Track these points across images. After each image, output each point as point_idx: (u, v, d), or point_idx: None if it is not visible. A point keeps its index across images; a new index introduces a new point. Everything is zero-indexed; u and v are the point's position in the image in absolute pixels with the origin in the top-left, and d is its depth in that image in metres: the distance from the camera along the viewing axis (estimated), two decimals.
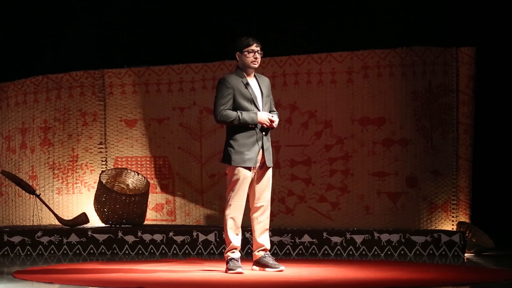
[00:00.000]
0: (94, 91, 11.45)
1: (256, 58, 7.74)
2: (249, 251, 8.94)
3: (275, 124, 7.71)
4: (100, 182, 10.76)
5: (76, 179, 11.41)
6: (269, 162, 7.76)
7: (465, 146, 10.27)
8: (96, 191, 10.83)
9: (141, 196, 10.73)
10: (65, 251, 10.09)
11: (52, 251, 10.09)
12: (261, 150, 7.69)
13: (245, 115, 7.62)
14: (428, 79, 10.38)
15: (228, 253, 7.72)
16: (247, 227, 8.15)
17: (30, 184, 11.26)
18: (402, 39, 10.67)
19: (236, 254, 7.71)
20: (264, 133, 7.70)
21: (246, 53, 7.72)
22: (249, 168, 7.64)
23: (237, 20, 11.55)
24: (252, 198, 7.76)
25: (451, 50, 10.35)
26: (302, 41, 11.31)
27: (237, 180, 7.63)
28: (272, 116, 7.69)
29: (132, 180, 11.16)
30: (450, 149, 10.31)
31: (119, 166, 11.32)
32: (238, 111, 7.62)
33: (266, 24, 11.34)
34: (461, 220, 10.20)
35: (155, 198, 11.23)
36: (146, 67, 11.36)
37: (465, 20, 10.84)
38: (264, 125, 7.66)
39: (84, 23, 11.92)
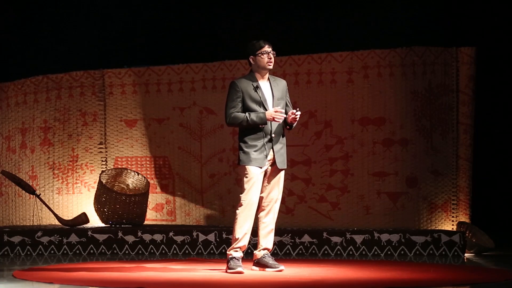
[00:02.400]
0: (94, 91, 11.45)
1: (270, 59, 7.80)
2: (249, 251, 8.94)
3: (298, 118, 7.71)
4: (100, 182, 10.76)
5: (76, 179, 11.41)
6: (280, 164, 7.79)
7: (465, 146, 10.27)
8: (96, 191, 10.83)
9: (141, 196, 10.73)
10: (65, 251, 10.09)
11: (52, 251, 10.09)
12: (271, 151, 7.73)
13: (253, 116, 7.69)
14: (428, 79, 10.38)
15: (231, 251, 7.73)
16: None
17: (30, 184, 11.26)
18: (402, 39, 10.67)
19: (238, 254, 7.73)
20: (274, 134, 7.72)
21: (260, 55, 7.78)
22: (257, 168, 7.67)
23: (237, 20, 11.55)
24: (260, 197, 7.81)
25: (451, 50, 10.35)
26: (302, 41, 11.31)
27: (246, 179, 7.69)
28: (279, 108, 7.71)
29: (132, 180, 11.16)
30: (450, 149, 10.31)
31: (119, 166, 11.33)
32: (246, 113, 7.69)
33: (266, 24, 11.34)
34: (461, 220, 10.20)
35: (155, 198, 11.23)
36: (146, 67, 11.37)
37: (465, 20, 10.84)
38: (274, 120, 7.67)
39: (84, 23, 11.92)
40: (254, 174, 7.69)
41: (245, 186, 7.69)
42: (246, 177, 7.70)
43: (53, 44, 11.94)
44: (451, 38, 10.67)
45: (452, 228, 10.19)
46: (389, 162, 10.44)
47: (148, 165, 11.30)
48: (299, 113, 7.76)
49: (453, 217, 10.27)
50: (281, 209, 10.63)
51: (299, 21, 11.47)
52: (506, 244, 10.32)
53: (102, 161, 11.42)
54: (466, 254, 9.66)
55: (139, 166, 11.31)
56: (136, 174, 11.16)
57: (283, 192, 10.60)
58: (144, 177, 11.12)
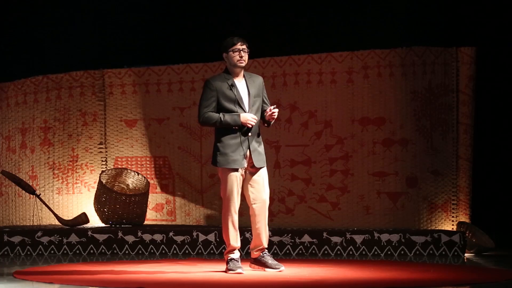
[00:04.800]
0: (94, 91, 11.45)
1: (242, 57, 7.72)
2: (249, 251, 8.94)
3: (275, 114, 7.69)
4: (100, 182, 10.76)
5: (76, 179, 11.41)
6: (258, 163, 7.72)
7: (465, 146, 10.27)
8: (96, 191, 10.83)
9: (141, 196, 10.73)
10: (65, 251, 10.09)
11: (52, 251, 10.09)
12: (248, 151, 7.68)
13: (227, 117, 7.62)
14: (428, 79, 10.39)
15: (228, 254, 7.73)
16: (247, 227, 8.16)
17: (30, 184, 11.26)
18: (402, 39, 10.66)
19: (236, 255, 7.72)
20: (250, 134, 7.67)
21: (231, 52, 7.72)
22: (235, 169, 7.64)
23: (237, 20, 11.54)
24: (248, 198, 7.77)
25: (451, 50, 10.35)
26: (302, 41, 11.30)
27: (226, 181, 7.65)
28: (273, 108, 7.68)
29: (132, 180, 11.16)
30: (450, 149, 10.31)
31: (119, 166, 11.33)
32: (220, 113, 7.63)
33: (266, 24, 11.34)
34: (461, 220, 10.20)
35: (155, 198, 11.24)
36: (146, 67, 11.37)
37: (465, 20, 10.83)
38: (248, 125, 7.64)
39: (84, 23, 11.92)
40: (233, 176, 7.64)
41: (226, 188, 7.65)
42: (225, 180, 7.65)
43: (53, 44, 11.93)
44: (451, 38, 10.67)
45: (452, 228, 10.19)
46: (389, 162, 10.44)
47: (148, 165, 11.30)
48: (276, 110, 7.70)
49: (453, 217, 10.27)
50: (281, 209, 10.68)
51: (299, 21, 11.46)
52: (506, 244, 10.32)
53: (102, 161, 11.42)
54: (466, 254, 9.66)
55: (139, 166, 11.31)
56: (136, 174, 11.16)
57: (283, 192, 10.69)
58: (144, 177, 11.12)
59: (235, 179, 7.65)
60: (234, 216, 7.69)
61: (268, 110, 7.74)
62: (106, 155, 11.43)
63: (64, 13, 12.00)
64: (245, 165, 7.68)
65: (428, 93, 10.38)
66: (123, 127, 11.40)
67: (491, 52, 10.73)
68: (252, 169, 7.74)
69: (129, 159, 11.36)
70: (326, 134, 10.66)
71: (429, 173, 10.33)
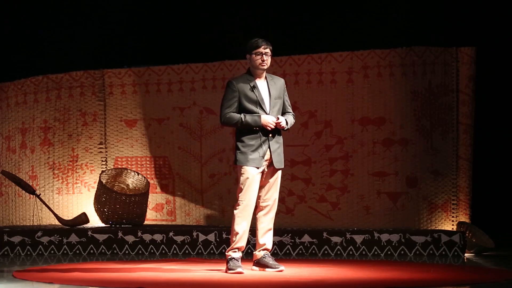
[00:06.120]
0: (94, 91, 11.45)
1: (264, 60, 7.77)
2: (249, 251, 8.94)
3: (283, 125, 7.72)
4: (100, 182, 10.76)
5: (76, 179, 11.42)
6: (277, 164, 7.78)
7: (465, 146, 10.27)
8: (96, 191, 10.83)
9: (141, 196, 10.73)
10: (65, 251, 10.09)
11: (52, 251, 10.10)
12: (268, 151, 7.72)
13: (248, 118, 7.66)
14: (428, 79, 10.39)
15: (230, 252, 7.74)
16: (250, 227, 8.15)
17: (30, 184, 11.26)
18: (402, 39, 10.67)
19: (237, 254, 7.73)
20: (271, 135, 7.72)
21: (254, 55, 7.77)
22: (255, 168, 7.67)
23: (237, 20, 11.55)
24: (258, 197, 7.80)
25: (451, 50, 10.35)
26: (302, 41, 11.31)
27: (245, 179, 7.67)
28: (278, 119, 7.71)
29: (132, 180, 11.16)
30: (450, 149, 10.31)
31: (119, 166, 11.33)
32: (242, 114, 7.68)
33: (266, 24, 11.34)
34: (461, 220, 10.20)
35: (155, 198, 11.24)
36: (146, 67, 11.37)
37: (465, 20, 10.84)
38: (268, 127, 7.68)
39: (84, 23, 11.93)
40: (251, 175, 7.67)
41: (243, 186, 7.68)
42: (244, 178, 7.69)
43: (53, 44, 11.93)
44: (451, 38, 10.67)
45: (452, 228, 10.19)
46: (389, 162, 10.45)
47: (148, 165, 11.30)
48: (280, 121, 7.72)
49: (453, 217, 10.27)
50: (281, 209, 10.67)
51: (299, 21, 11.47)
52: (506, 244, 10.32)
53: (102, 161, 11.42)
54: (466, 254, 9.66)
55: (139, 166, 11.31)
56: (136, 174, 11.16)
57: (283, 192, 10.69)
58: (144, 177, 11.12)
59: (253, 178, 7.67)
60: (248, 216, 7.70)
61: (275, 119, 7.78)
62: (106, 155, 11.43)
63: (64, 13, 12.00)
64: (264, 165, 7.71)
65: (428, 93, 10.38)
66: (123, 127, 11.40)
67: (491, 52, 10.74)
68: (269, 170, 7.78)
69: (129, 159, 11.37)
70: (326, 134, 10.67)
71: (429, 173, 10.33)
